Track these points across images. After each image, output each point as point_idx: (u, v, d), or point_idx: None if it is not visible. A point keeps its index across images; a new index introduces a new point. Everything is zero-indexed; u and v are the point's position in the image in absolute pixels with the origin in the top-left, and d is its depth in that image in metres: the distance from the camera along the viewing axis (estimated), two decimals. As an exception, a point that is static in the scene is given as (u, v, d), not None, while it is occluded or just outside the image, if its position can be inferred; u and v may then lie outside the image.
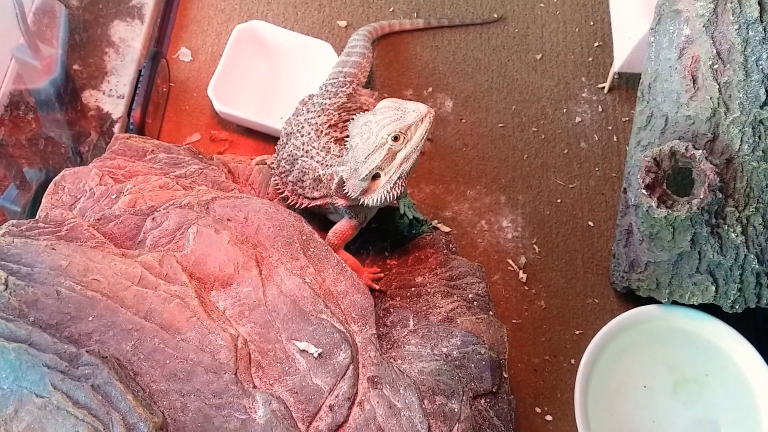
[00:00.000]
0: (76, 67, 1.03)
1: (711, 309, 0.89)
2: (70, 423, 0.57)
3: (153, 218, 0.75)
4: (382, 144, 0.74)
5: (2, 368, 0.59)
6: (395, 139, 0.73)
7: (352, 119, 0.78)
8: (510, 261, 0.98)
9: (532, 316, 0.95)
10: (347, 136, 0.84)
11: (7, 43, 0.96)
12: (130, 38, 1.07)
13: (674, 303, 0.89)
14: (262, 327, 0.69)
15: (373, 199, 0.77)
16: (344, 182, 0.78)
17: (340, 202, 0.80)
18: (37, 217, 0.76)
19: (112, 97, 1.03)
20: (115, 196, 0.78)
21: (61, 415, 0.57)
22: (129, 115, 0.99)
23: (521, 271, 0.97)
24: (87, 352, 0.61)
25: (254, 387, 0.65)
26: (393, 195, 0.76)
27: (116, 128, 1.00)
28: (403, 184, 0.76)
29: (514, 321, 0.94)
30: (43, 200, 0.79)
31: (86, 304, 0.65)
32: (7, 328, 0.61)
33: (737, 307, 0.85)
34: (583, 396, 0.86)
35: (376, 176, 0.76)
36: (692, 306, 0.88)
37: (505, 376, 0.77)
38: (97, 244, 0.71)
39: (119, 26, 1.07)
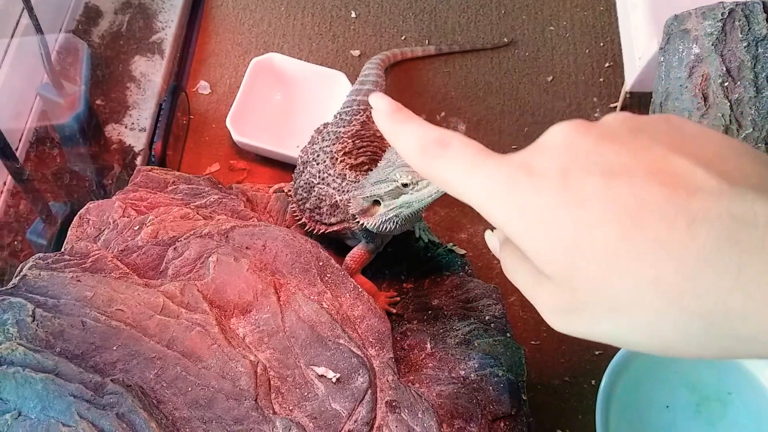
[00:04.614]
0: (99, 102, 1.07)
1: (731, 326, 0.88)
2: (95, 451, 0.58)
3: (174, 248, 0.77)
4: (393, 180, 0.74)
5: (30, 398, 0.61)
6: (404, 184, 0.74)
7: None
8: (527, 282, 0.98)
9: (551, 337, 0.95)
10: (362, 163, 0.85)
11: (32, 82, 0.99)
12: (150, 73, 1.10)
13: (694, 321, 0.88)
14: (281, 353, 0.70)
15: (369, 223, 0.78)
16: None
17: (357, 227, 0.81)
18: (62, 249, 0.78)
19: (134, 130, 1.05)
20: (137, 227, 0.80)
21: (87, 443, 0.59)
22: (150, 147, 1.02)
23: (539, 292, 0.97)
24: (111, 381, 0.62)
25: (274, 413, 0.66)
26: (386, 228, 0.76)
27: (138, 161, 1.03)
28: (398, 225, 0.76)
29: (533, 342, 0.94)
30: (69, 233, 0.81)
31: (111, 334, 0.66)
32: (34, 359, 0.63)
33: (758, 324, 0.84)
34: (604, 417, 0.85)
35: (377, 202, 0.77)
36: (712, 324, 0.88)
37: (524, 398, 0.76)
38: (120, 275, 0.73)
39: (140, 62, 1.11)
